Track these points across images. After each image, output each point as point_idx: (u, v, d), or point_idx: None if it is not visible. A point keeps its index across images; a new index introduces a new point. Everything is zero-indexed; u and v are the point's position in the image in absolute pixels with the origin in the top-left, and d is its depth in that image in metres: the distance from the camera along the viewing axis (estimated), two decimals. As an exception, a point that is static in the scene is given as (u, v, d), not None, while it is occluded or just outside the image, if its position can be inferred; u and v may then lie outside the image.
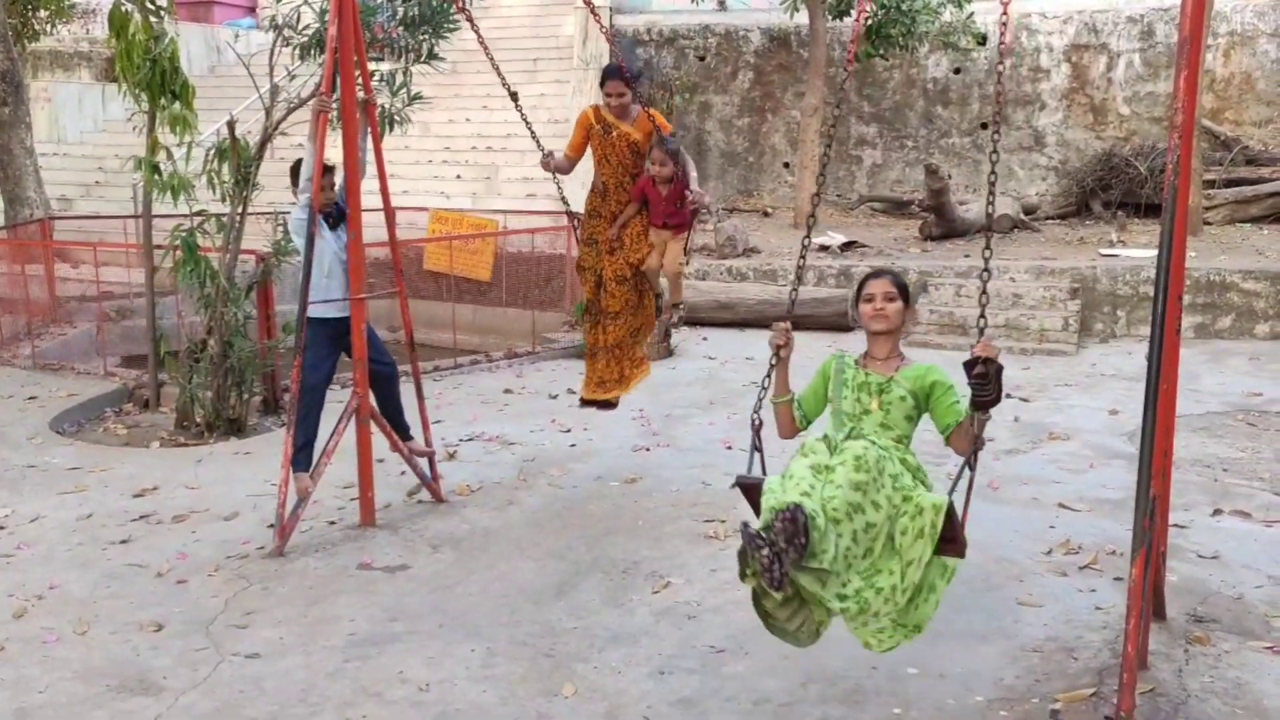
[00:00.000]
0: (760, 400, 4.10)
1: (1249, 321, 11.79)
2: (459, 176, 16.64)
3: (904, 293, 4.07)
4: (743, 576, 3.56)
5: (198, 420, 8.17)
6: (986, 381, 3.67)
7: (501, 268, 13.66)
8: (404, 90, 7.86)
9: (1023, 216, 15.81)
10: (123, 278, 11.58)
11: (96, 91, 19.53)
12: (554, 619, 4.93)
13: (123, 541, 5.91)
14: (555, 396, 9.38)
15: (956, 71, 17.66)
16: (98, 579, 5.41)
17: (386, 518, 6.22)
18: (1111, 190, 16.13)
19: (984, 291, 3.89)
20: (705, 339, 11.86)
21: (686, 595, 5.18)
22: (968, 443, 3.80)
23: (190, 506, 6.45)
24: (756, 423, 4.08)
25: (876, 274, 4.15)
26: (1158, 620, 4.73)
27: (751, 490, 3.97)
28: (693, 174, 6.25)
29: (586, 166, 6.55)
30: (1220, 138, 16.26)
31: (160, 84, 7.71)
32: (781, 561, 3.43)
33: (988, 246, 3.96)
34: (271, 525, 5.86)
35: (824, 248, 14.15)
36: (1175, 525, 5.52)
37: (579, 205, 6.70)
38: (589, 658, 4.56)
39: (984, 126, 17.60)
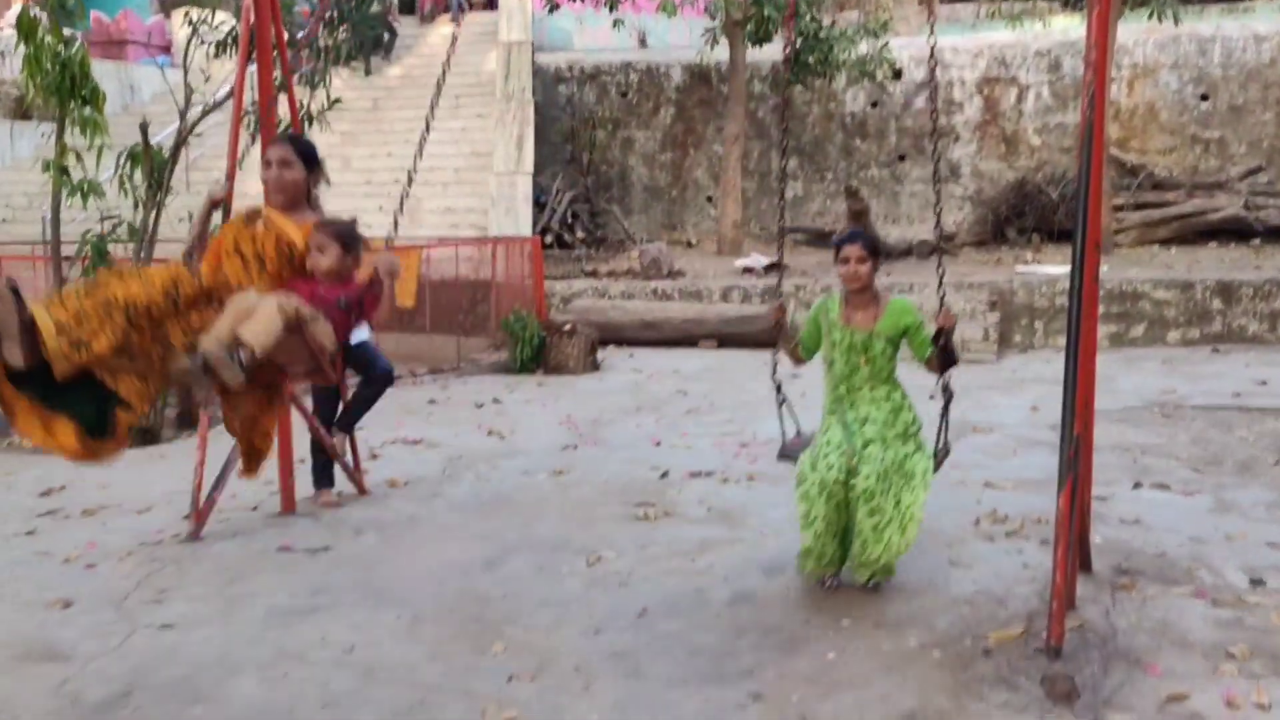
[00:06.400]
0: (775, 364, 4.84)
1: (1160, 329, 12.13)
2: (381, 208, 16.48)
3: (874, 254, 4.61)
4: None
5: (110, 431, 7.89)
6: (948, 348, 4.53)
7: (425, 294, 13.51)
8: (323, 86, 7.80)
9: (941, 244, 16.18)
10: (30, 288, 11.21)
11: (4, 129, 19.08)
12: (482, 588, 4.80)
13: (29, 533, 5.65)
14: (481, 405, 9.27)
15: (874, 105, 18.06)
16: (1, 565, 5.16)
17: (308, 507, 6.05)
18: (1025, 217, 16.56)
19: (940, 264, 4.85)
20: (631, 355, 11.84)
21: (618, 567, 5.08)
22: (939, 368, 4.61)
23: (101, 502, 6.20)
24: (777, 381, 4.80)
25: (850, 238, 4.62)
26: (1084, 572, 4.76)
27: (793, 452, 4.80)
28: None
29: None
30: (1127, 165, 16.81)
31: (70, 88, 7.56)
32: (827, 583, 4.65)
33: (938, 225, 5.10)
34: (186, 517, 5.66)
35: (748, 270, 14.28)
36: (1097, 498, 5.58)
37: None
38: (518, 620, 4.44)
39: (902, 158, 18.00)
